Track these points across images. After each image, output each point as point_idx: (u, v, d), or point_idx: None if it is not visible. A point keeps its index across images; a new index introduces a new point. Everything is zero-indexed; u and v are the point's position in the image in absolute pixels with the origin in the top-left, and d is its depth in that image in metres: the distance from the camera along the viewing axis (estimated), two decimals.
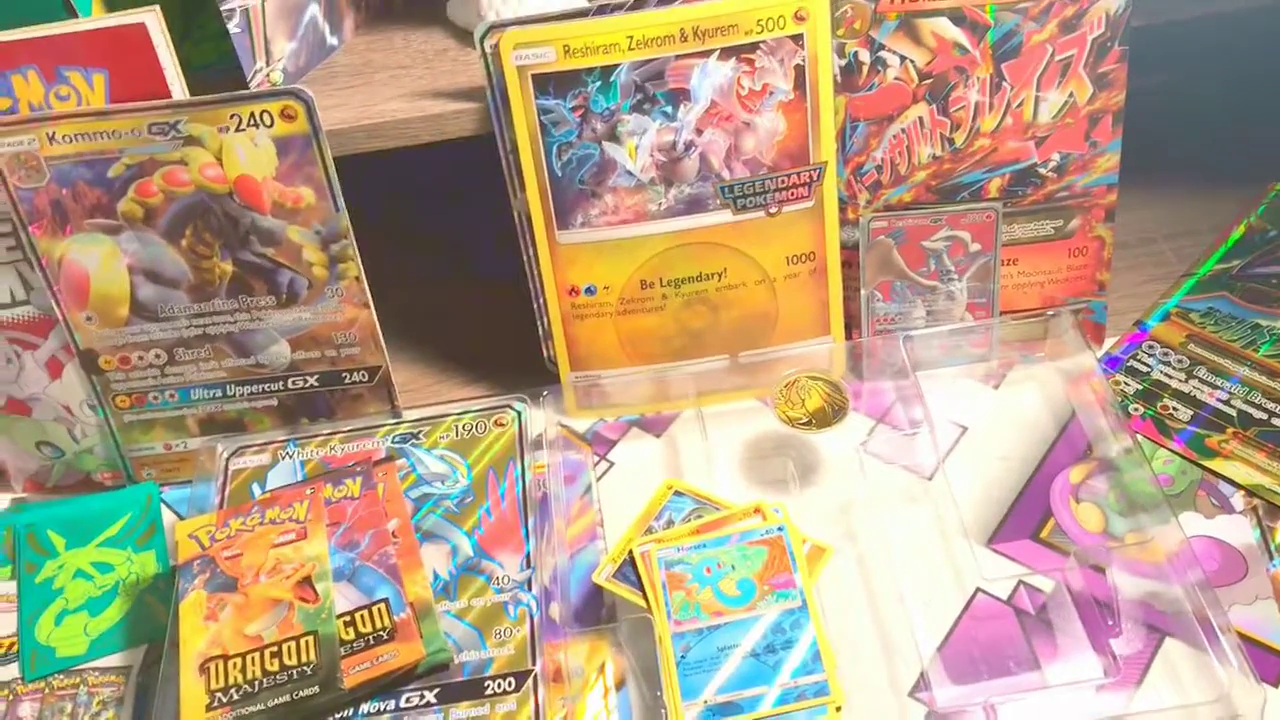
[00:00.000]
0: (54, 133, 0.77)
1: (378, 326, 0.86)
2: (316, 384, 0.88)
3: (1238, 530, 0.80)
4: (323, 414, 0.89)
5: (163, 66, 0.76)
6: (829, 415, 0.84)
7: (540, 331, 0.92)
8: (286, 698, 0.70)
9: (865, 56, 0.82)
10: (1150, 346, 0.92)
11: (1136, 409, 0.88)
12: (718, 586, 0.75)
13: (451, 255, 1.07)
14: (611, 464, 0.89)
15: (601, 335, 0.89)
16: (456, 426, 0.85)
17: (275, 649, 0.72)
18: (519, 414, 0.86)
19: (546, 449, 0.84)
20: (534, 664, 0.73)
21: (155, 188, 0.80)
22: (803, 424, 0.84)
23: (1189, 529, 0.80)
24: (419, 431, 0.85)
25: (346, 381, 0.88)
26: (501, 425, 0.85)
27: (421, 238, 1.10)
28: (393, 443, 0.85)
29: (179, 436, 0.90)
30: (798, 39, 0.80)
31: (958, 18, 0.81)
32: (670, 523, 0.80)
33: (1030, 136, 0.85)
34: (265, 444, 0.86)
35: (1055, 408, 0.88)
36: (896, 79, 0.83)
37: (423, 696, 0.72)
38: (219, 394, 0.88)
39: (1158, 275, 0.98)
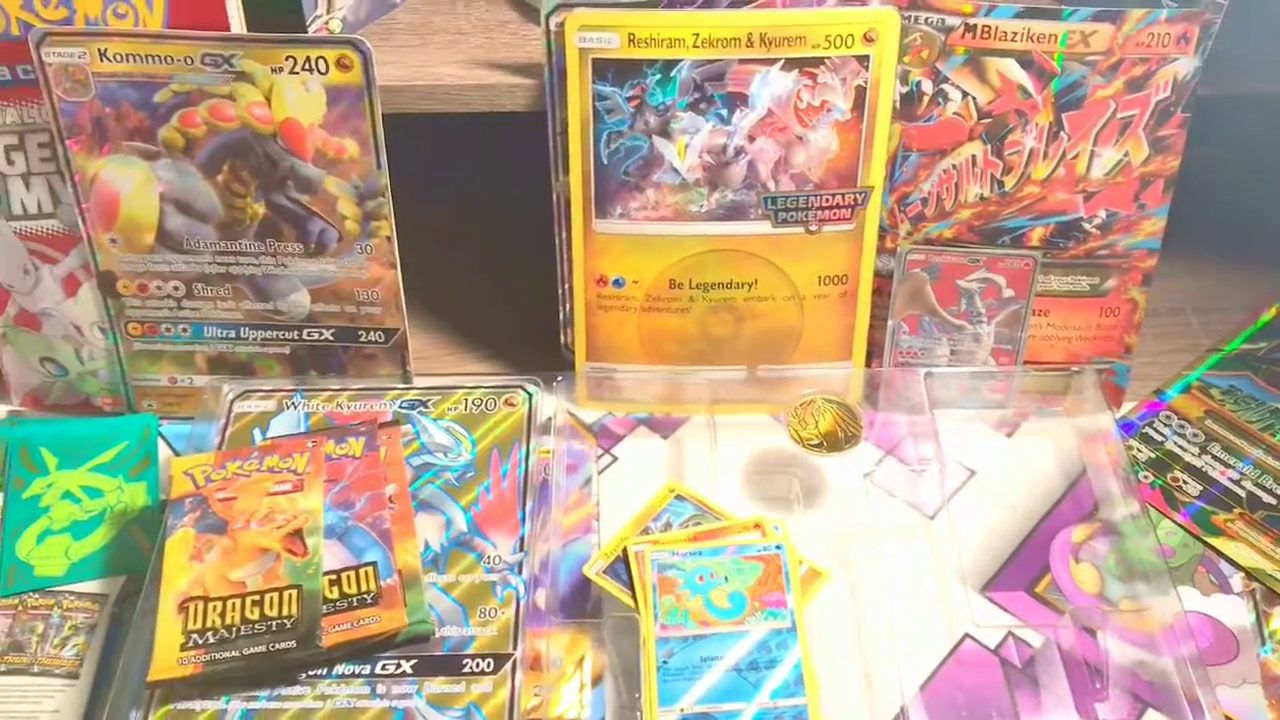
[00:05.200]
0: (106, 49, 0.76)
1: (401, 290, 0.85)
2: (332, 338, 0.87)
3: (1233, 611, 0.79)
4: (334, 369, 0.88)
5: None
6: (840, 440, 0.83)
7: (561, 317, 0.91)
8: (263, 648, 0.69)
9: (928, 87, 0.82)
10: (1167, 416, 0.91)
11: (1146, 477, 0.87)
12: (708, 596, 0.74)
13: (484, 230, 1.06)
14: (615, 459, 0.88)
15: (623, 329, 0.88)
16: (466, 400, 0.85)
17: (257, 598, 0.71)
18: (530, 396, 0.85)
19: (554, 435, 0.84)
20: (515, 648, 0.72)
21: (199, 119, 0.79)
22: (813, 445, 0.83)
23: (1185, 604, 0.79)
24: (428, 400, 0.84)
25: (362, 340, 0.87)
26: (512, 405, 0.84)
27: (457, 208, 1.08)
28: (400, 407, 0.84)
29: (185, 372, 0.89)
30: (863, 60, 0.79)
31: (1026, 61, 0.80)
32: (668, 525, 0.79)
33: (1080, 190, 0.84)
34: (272, 391, 0.85)
35: (1066, 464, 0.88)
36: (955, 114, 0.82)
37: (399, 666, 0.71)
38: (232, 335, 0.87)
39: (1183, 346, 0.97)
